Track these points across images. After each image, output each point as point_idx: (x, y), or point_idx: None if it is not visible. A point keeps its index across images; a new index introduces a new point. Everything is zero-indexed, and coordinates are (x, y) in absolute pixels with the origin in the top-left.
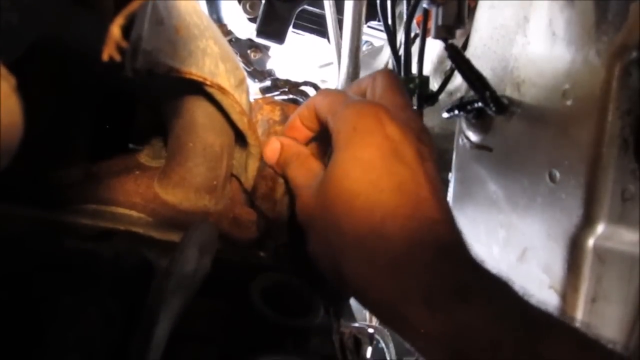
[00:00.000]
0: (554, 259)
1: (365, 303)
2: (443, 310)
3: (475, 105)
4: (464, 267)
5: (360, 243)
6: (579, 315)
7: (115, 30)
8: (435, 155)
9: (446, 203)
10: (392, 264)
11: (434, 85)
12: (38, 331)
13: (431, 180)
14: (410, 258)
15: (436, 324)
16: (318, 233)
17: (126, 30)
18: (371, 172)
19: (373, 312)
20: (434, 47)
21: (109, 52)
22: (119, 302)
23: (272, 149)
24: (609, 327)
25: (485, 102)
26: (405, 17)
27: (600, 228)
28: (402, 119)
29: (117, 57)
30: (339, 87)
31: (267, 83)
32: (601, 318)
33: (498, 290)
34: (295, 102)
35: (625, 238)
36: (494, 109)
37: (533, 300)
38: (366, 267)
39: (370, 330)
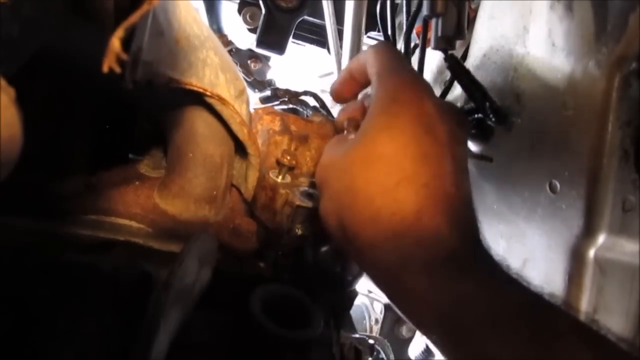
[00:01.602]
0: (555, 270)
1: (364, 265)
2: (443, 279)
3: (475, 115)
4: (471, 242)
5: (369, 202)
6: None
7: (115, 42)
8: (467, 142)
9: (468, 186)
10: (397, 227)
11: None
12: (36, 345)
13: (457, 160)
14: (417, 223)
15: (435, 292)
16: (332, 190)
17: (126, 42)
18: (399, 139)
19: (371, 274)
20: (434, 58)
21: (108, 64)
22: (118, 315)
23: None
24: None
25: (485, 112)
26: (404, 27)
27: (601, 239)
28: (442, 101)
29: (117, 69)
30: None
31: (267, 93)
32: (603, 329)
33: (499, 269)
34: (295, 112)
35: (626, 249)
36: (493, 119)
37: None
38: (371, 228)
39: (371, 341)
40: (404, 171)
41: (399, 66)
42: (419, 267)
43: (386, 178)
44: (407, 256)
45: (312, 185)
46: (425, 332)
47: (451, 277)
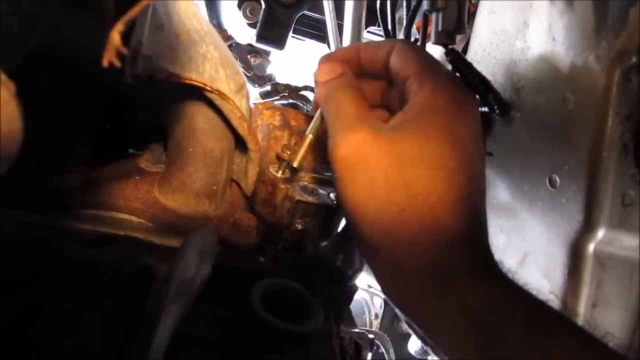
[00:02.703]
0: (555, 264)
1: (391, 268)
2: (484, 284)
3: (479, 109)
4: (490, 252)
5: (429, 211)
6: (580, 320)
7: (115, 36)
8: None
9: None
10: (454, 238)
11: None
12: (37, 337)
13: (485, 174)
14: (468, 235)
15: (474, 295)
16: (372, 178)
17: (126, 36)
18: (462, 153)
19: (399, 276)
20: (434, 52)
21: (109, 58)
22: (119, 307)
23: (331, 69)
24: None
25: (489, 104)
26: (405, 22)
27: (600, 233)
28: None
29: (117, 63)
30: None
31: (267, 88)
32: (602, 323)
33: (508, 275)
34: (295, 106)
35: (625, 243)
36: (498, 111)
37: None
38: (424, 234)
39: (371, 336)
40: (460, 189)
41: (441, 66)
42: (465, 274)
43: (448, 193)
44: (454, 265)
45: (312, 180)
46: (449, 338)
47: (490, 283)
